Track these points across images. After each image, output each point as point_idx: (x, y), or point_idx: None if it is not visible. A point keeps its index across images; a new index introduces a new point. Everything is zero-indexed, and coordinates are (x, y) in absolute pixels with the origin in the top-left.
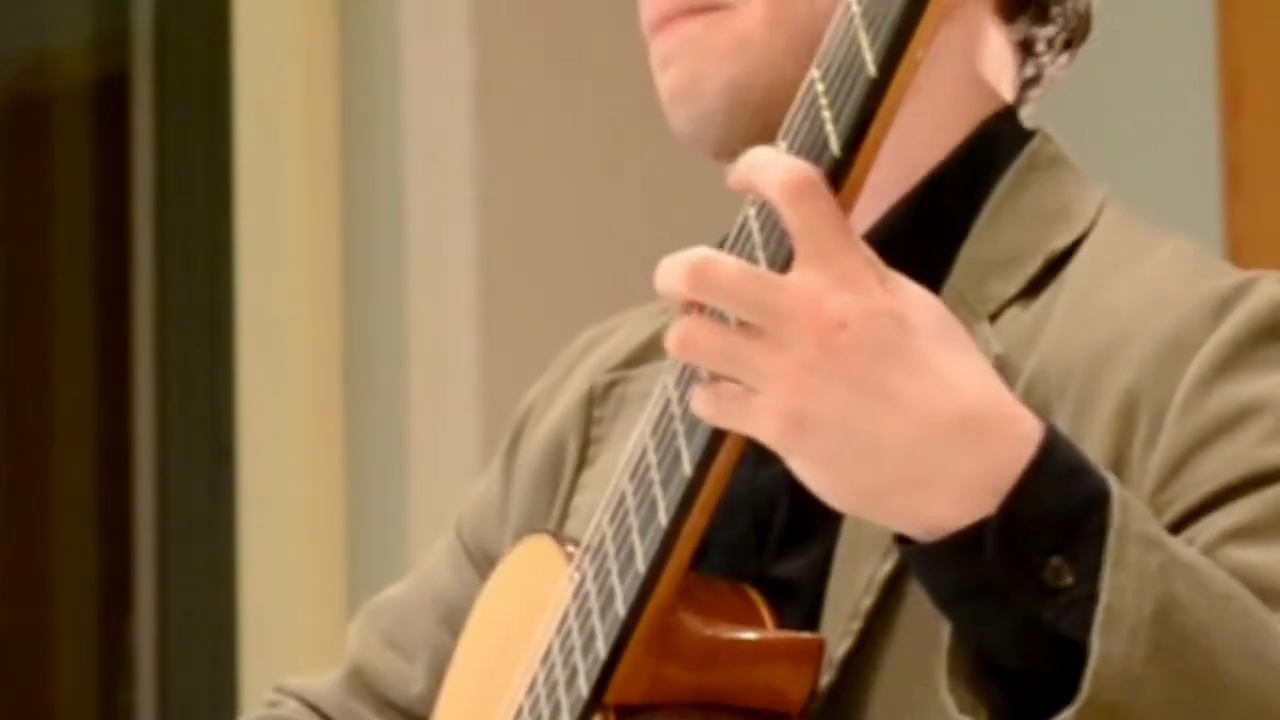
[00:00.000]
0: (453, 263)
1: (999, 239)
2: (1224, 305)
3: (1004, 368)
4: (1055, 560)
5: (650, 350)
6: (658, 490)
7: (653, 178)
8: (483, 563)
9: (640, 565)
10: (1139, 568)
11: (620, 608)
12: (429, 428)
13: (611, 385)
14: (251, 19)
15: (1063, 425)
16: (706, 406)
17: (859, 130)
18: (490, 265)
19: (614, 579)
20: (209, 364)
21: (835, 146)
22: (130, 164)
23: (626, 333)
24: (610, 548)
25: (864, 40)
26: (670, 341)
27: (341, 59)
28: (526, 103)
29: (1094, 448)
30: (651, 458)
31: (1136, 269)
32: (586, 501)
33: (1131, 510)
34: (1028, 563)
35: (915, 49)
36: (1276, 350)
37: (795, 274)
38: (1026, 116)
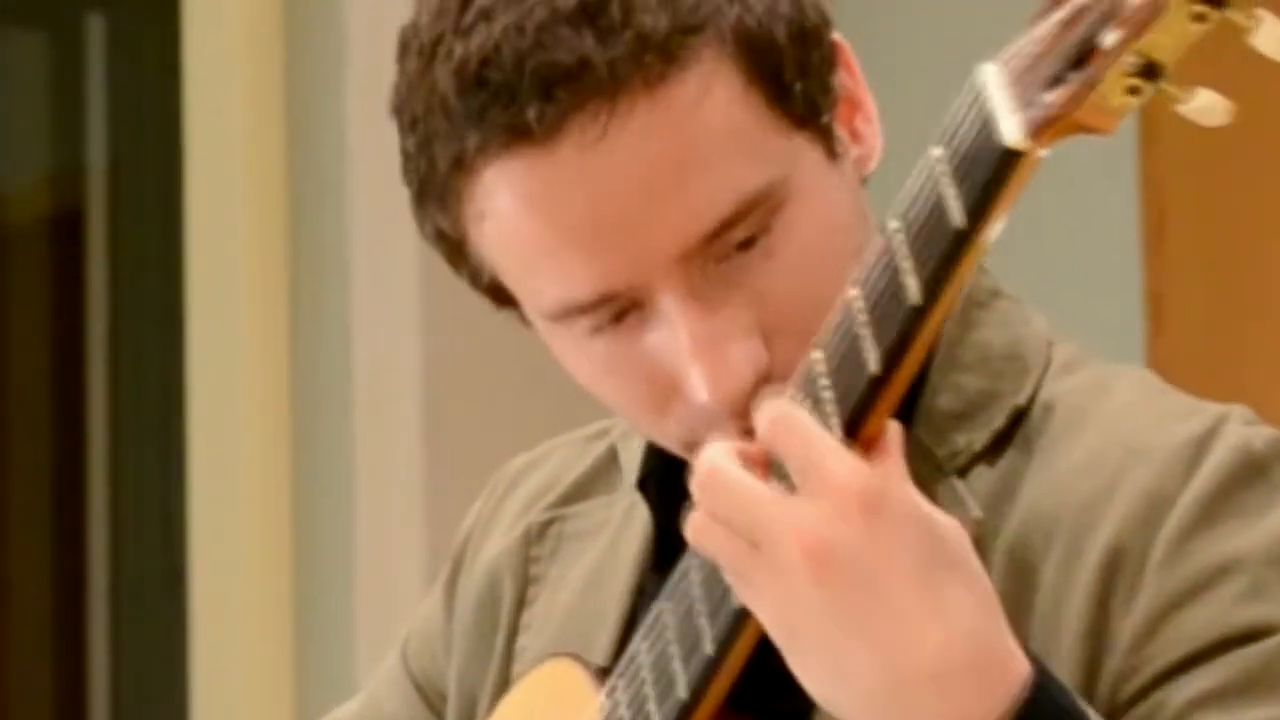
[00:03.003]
0: (398, 388)
1: (957, 387)
2: (1196, 454)
3: (983, 533)
4: None
5: (586, 487)
6: (704, 621)
7: None
8: (430, 694)
9: (682, 692)
10: None
11: None
12: (375, 546)
13: (548, 524)
14: (202, 158)
15: (1047, 587)
16: (735, 584)
17: (859, 416)
18: (434, 388)
19: (651, 705)
20: (161, 487)
21: (838, 430)
22: (85, 295)
23: (558, 463)
24: (647, 675)
25: (867, 336)
26: (687, 527)
27: (290, 197)
28: None
29: (1077, 605)
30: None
31: (1102, 415)
32: (532, 643)
33: None
34: None
35: (958, 282)
36: (1247, 497)
37: (795, 500)
38: None
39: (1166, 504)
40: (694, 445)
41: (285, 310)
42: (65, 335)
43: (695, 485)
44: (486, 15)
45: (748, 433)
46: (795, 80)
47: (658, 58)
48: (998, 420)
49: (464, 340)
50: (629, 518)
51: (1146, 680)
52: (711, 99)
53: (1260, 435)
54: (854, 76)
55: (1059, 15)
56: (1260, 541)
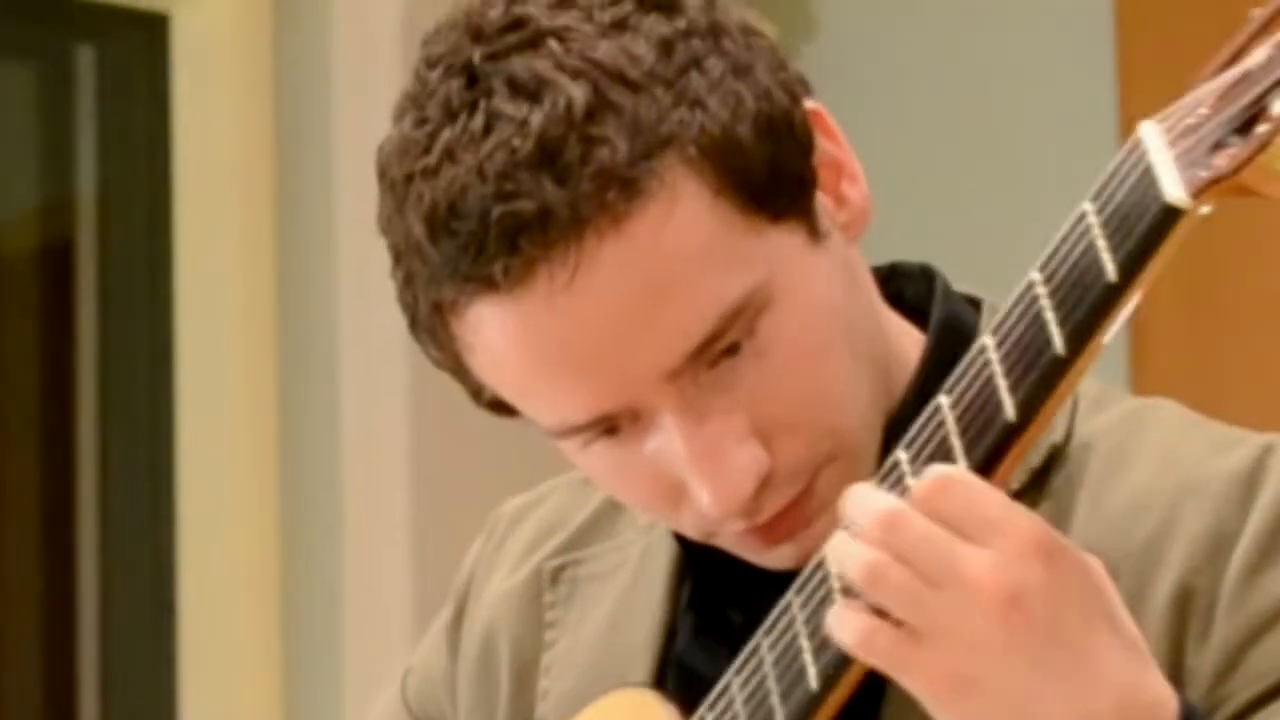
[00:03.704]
0: (385, 421)
1: None
2: (1249, 488)
3: None
4: None
5: (596, 530)
6: (809, 657)
7: None
8: None
9: None
10: None
11: None
12: (362, 579)
13: (561, 569)
14: (191, 189)
15: None
16: (865, 649)
17: (992, 463)
18: (421, 420)
19: None
20: (151, 519)
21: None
22: (75, 324)
23: (559, 505)
24: (741, 709)
25: (1003, 385)
26: (855, 568)
27: (278, 229)
28: None
29: (1150, 645)
30: (767, 660)
31: (1144, 452)
32: (555, 685)
33: None
34: None
35: (1102, 335)
36: None
37: (974, 548)
38: None
39: (1228, 542)
40: (711, 535)
41: (273, 340)
42: (55, 364)
43: (877, 525)
44: (451, 156)
45: (758, 528)
46: (766, 177)
47: (620, 193)
48: (1034, 459)
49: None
50: (646, 559)
51: (1233, 713)
52: (679, 220)
53: None
54: (834, 139)
55: (1227, 78)
56: None
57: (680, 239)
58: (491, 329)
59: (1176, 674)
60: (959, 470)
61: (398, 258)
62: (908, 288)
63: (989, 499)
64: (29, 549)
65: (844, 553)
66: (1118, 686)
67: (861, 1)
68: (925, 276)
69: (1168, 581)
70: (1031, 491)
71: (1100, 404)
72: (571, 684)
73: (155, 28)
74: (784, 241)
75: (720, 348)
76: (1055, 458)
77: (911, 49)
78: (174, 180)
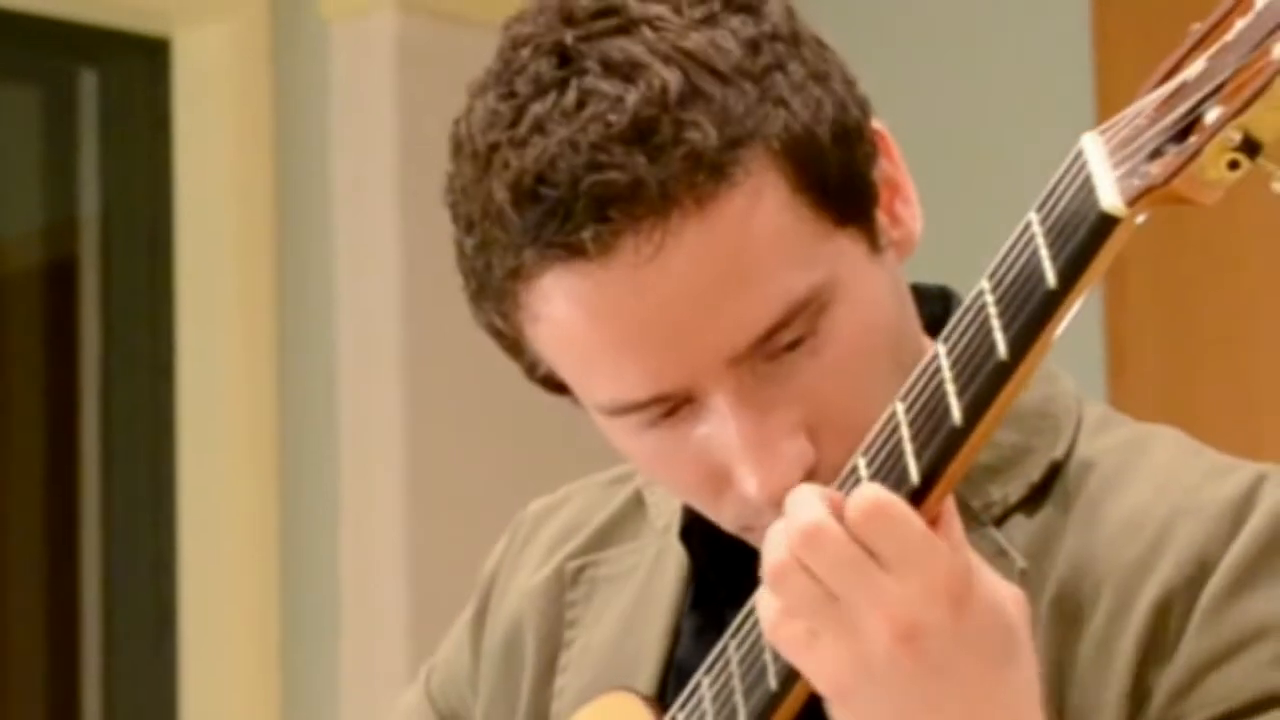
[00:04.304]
0: (382, 434)
1: (992, 442)
2: (1237, 517)
3: (1027, 581)
4: None
5: (615, 532)
6: (769, 657)
7: None
8: None
9: None
10: None
11: None
12: (359, 588)
13: (581, 569)
14: (191, 209)
15: (1094, 636)
16: (774, 628)
17: (939, 467)
18: (416, 432)
19: None
20: (152, 531)
21: (915, 477)
22: (78, 340)
23: (580, 506)
24: (709, 707)
25: (952, 390)
26: (764, 568)
27: (275, 247)
28: (451, 299)
29: (1125, 657)
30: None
31: (1144, 473)
32: (571, 682)
33: None
34: None
35: (1045, 342)
36: None
37: (889, 576)
38: None
39: (1211, 565)
40: (748, 529)
41: (272, 354)
42: (59, 377)
43: (795, 538)
44: (540, 128)
45: None
46: (839, 181)
47: (709, 176)
48: (1034, 474)
49: (446, 380)
50: (660, 562)
51: None
52: (760, 210)
53: None
54: (893, 160)
55: (1164, 89)
56: None
57: (760, 228)
58: (565, 299)
59: (1142, 689)
60: (893, 500)
61: (470, 226)
62: (925, 309)
63: (914, 534)
64: (33, 559)
65: (769, 546)
66: None
67: (835, 7)
68: (943, 297)
69: (1149, 597)
70: (1029, 504)
71: (1105, 426)
72: (585, 683)
73: (156, 52)
74: (848, 247)
75: (783, 341)
76: (1055, 473)
77: (888, 55)
78: (174, 200)
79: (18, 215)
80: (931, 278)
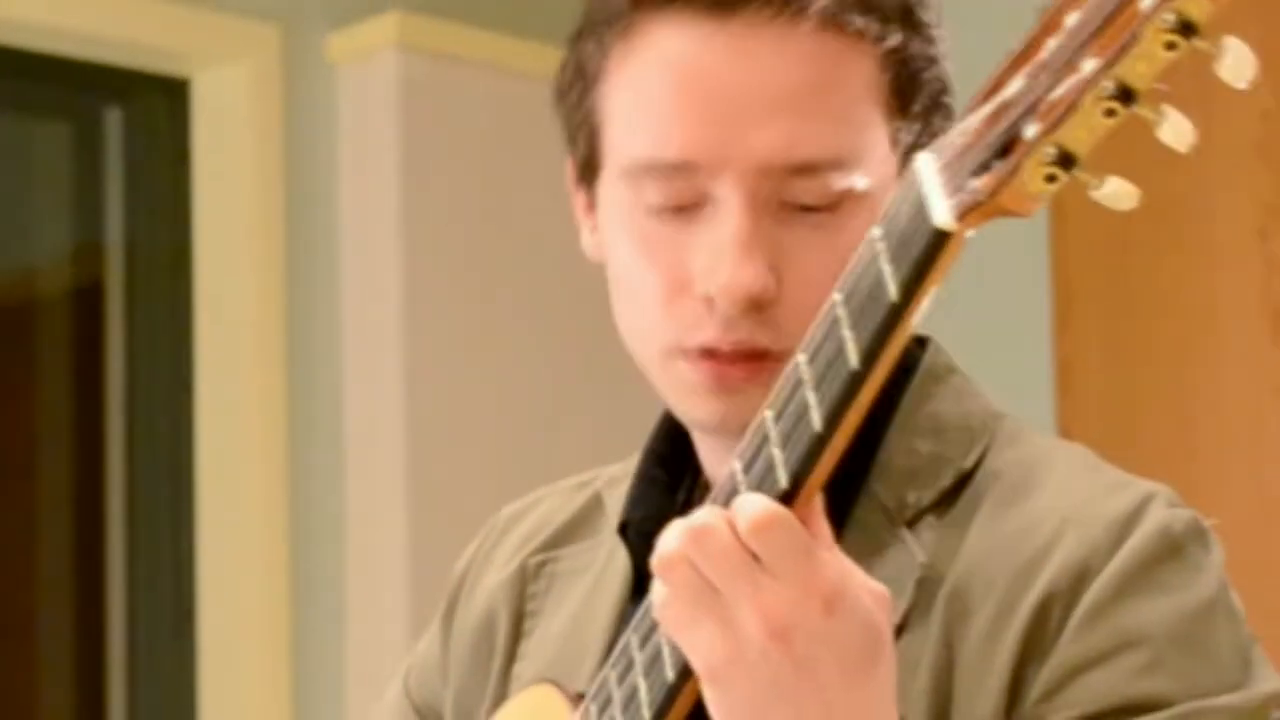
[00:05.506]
0: (386, 448)
1: (911, 450)
2: (1122, 531)
3: (928, 575)
4: None
5: (574, 530)
6: (666, 649)
7: (561, 369)
8: (430, 717)
9: (645, 712)
10: None
11: None
12: (365, 590)
13: (542, 565)
14: (209, 237)
15: (980, 630)
16: (660, 608)
17: (805, 470)
18: (418, 443)
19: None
20: (173, 536)
21: (784, 482)
22: (104, 360)
23: (547, 509)
24: (616, 698)
25: (812, 399)
26: (655, 558)
27: (287, 268)
28: (449, 320)
29: (1004, 655)
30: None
31: (1043, 486)
32: (525, 670)
33: None
34: None
35: (893, 350)
36: (1161, 575)
37: (769, 578)
38: None
39: (1092, 574)
40: (676, 350)
41: (283, 372)
42: (86, 395)
43: (686, 536)
44: None
45: (718, 348)
46: (916, 123)
47: (846, 14)
48: (945, 480)
49: (446, 395)
50: (611, 559)
51: None
52: (863, 75)
53: (1180, 518)
54: None
55: (986, 108)
56: (1167, 617)
57: (855, 83)
58: (671, 38)
59: (1017, 686)
60: (783, 513)
61: None
62: None
63: (798, 543)
64: (63, 561)
65: (663, 541)
66: (846, 718)
67: None
68: None
69: (1033, 598)
70: (939, 508)
71: (1015, 440)
72: (537, 670)
73: (177, 91)
74: (890, 183)
75: (807, 194)
76: (965, 482)
77: None
78: (194, 229)
79: (48, 243)
80: None
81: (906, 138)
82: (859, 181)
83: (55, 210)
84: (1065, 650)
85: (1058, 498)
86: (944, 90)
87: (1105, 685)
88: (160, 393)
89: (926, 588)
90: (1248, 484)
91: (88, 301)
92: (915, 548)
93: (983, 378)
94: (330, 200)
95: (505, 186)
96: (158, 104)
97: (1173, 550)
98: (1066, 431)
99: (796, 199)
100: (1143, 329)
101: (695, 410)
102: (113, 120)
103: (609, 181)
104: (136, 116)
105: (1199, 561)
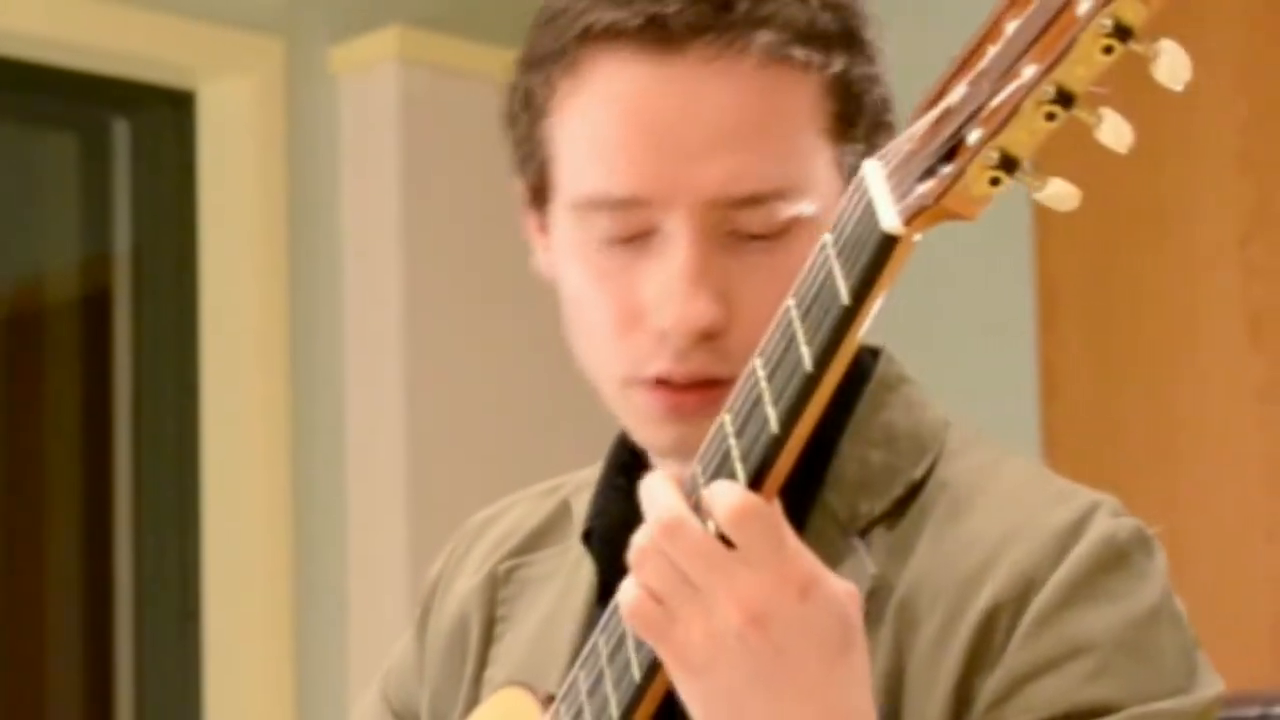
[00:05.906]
0: (385, 455)
1: (863, 460)
2: (1067, 541)
3: (879, 586)
4: None
5: (543, 537)
6: (632, 651)
7: (558, 378)
8: (407, 717)
9: (614, 711)
10: None
11: None
12: (366, 591)
13: (512, 570)
14: (214, 245)
15: (929, 639)
16: (635, 604)
17: (763, 471)
18: (418, 448)
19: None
20: (179, 538)
21: (744, 481)
22: (112, 366)
23: (518, 515)
24: (585, 699)
25: (769, 402)
26: (631, 553)
27: (290, 275)
28: (449, 325)
29: (951, 663)
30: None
31: (990, 496)
32: (496, 674)
33: None
34: None
35: (846, 352)
36: (1107, 583)
37: (744, 567)
38: None
39: (1037, 583)
40: (632, 380)
41: (286, 378)
42: (94, 400)
43: (657, 530)
44: None
45: (671, 378)
46: (860, 144)
47: (792, 46)
48: (896, 491)
49: (446, 399)
50: (578, 565)
51: None
52: (805, 106)
53: (1124, 527)
54: None
55: (931, 115)
56: (1114, 625)
57: (801, 116)
58: (617, 75)
59: (966, 694)
60: (759, 502)
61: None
62: None
63: (774, 532)
64: (72, 561)
65: (638, 537)
66: (824, 703)
67: None
68: None
69: (979, 608)
70: (890, 518)
71: (965, 450)
72: (507, 675)
73: (183, 103)
74: (834, 206)
75: (753, 224)
76: (915, 492)
77: None
78: (199, 237)
79: (56, 252)
80: None
81: (851, 159)
82: (805, 208)
83: (63, 220)
84: (1013, 658)
85: (1004, 508)
86: (886, 109)
87: (1054, 692)
88: (166, 398)
89: (877, 598)
90: (1227, 484)
91: (95, 309)
92: (866, 558)
93: (968, 381)
94: (332, 209)
95: (504, 196)
96: (164, 115)
97: (1118, 558)
98: (1050, 433)
99: (744, 228)
100: (1125, 333)
101: (652, 437)
102: (120, 131)
103: (559, 212)
104: (143, 128)
105: (1143, 569)
